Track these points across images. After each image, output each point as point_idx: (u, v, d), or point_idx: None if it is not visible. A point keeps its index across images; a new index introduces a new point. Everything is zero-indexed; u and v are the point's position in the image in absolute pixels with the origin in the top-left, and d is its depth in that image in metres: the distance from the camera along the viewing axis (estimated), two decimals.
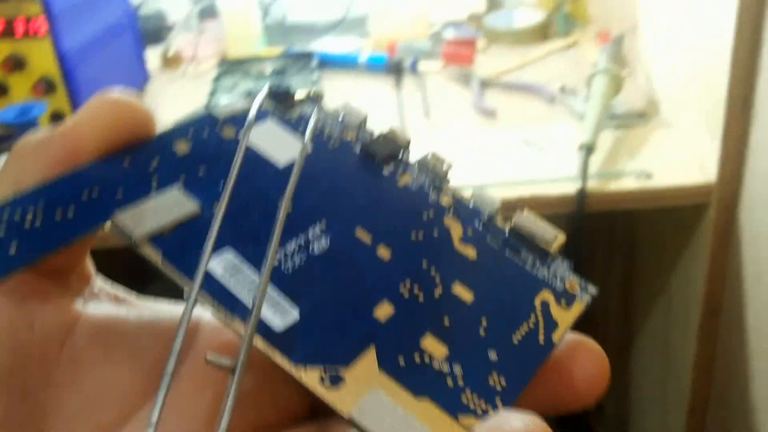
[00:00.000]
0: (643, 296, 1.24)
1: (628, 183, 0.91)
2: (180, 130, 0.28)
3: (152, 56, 1.33)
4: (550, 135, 1.03)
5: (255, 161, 0.28)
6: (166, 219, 0.24)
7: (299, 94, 0.32)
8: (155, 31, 1.40)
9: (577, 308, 0.27)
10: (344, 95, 1.17)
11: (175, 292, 0.24)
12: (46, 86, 1.00)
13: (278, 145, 0.29)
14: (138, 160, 0.26)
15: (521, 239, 0.29)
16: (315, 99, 0.32)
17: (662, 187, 0.90)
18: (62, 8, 1.01)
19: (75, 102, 1.02)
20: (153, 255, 0.23)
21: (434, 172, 0.31)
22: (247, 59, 1.27)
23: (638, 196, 0.90)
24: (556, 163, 0.95)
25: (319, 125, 0.30)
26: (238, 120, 0.29)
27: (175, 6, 1.46)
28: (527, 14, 1.41)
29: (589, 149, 0.91)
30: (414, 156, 0.31)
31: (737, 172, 0.86)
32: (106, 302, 0.26)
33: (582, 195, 0.88)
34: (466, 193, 0.30)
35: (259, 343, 0.22)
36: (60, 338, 0.24)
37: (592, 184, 0.90)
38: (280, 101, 0.31)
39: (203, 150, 0.27)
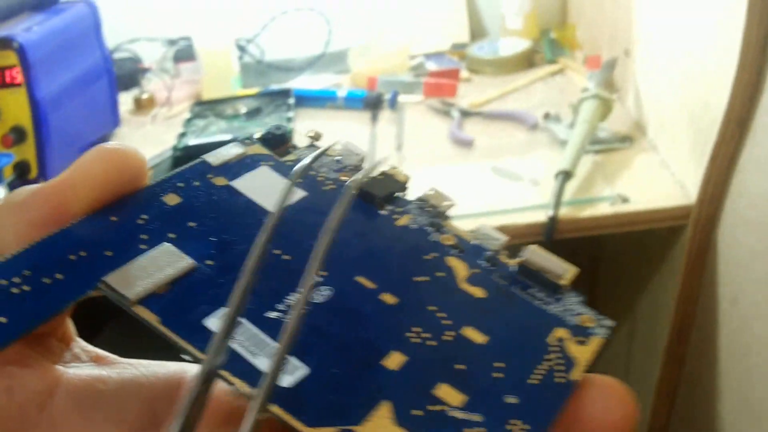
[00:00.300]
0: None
1: (602, 208, 0.90)
2: (171, 180, 0.27)
3: (125, 100, 1.31)
4: (526, 163, 1.01)
5: (249, 210, 0.27)
6: (160, 277, 0.23)
7: (295, 139, 0.32)
8: (130, 75, 1.37)
9: (595, 343, 0.26)
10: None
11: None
12: (16, 136, 0.99)
13: (272, 191, 0.28)
14: (126, 214, 0.25)
15: (530, 275, 0.28)
16: (313, 141, 0.32)
17: (637, 210, 0.90)
18: (38, 57, 0.99)
19: (42, 150, 1.00)
20: (148, 316, 0.22)
21: (434, 209, 0.30)
22: (222, 99, 1.24)
23: (611, 221, 0.89)
24: (531, 192, 0.94)
25: (316, 167, 0.30)
26: (231, 167, 0.29)
27: (151, 49, 1.44)
28: (512, 42, 1.38)
29: (566, 175, 0.90)
30: (413, 194, 0.31)
31: (720, 192, 0.86)
32: (87, 363, 0.26)
33: (552, 223, 0.86)
34: (468, 231, 0.30)
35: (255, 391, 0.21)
36: (40, 402, 0.23)
37: (565, 211, 0.89)
38: (275, 146, 0.31)
39: (195, 200, 0.27)
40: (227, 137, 1.07)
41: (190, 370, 0.26)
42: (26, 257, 0.23)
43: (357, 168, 0.31)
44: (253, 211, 0.27)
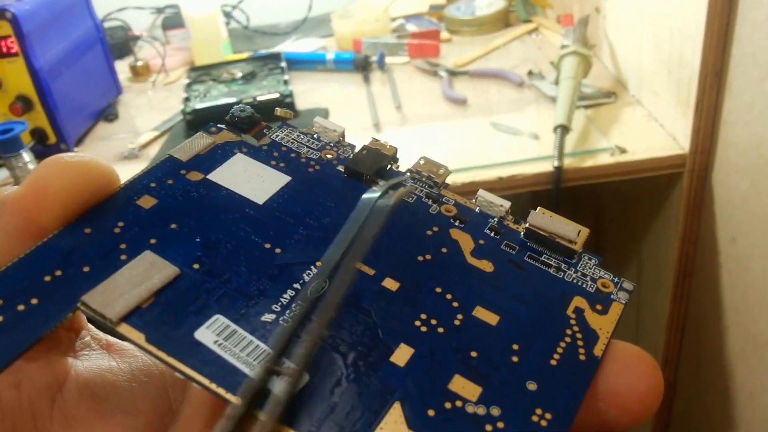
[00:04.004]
0: (613, 261, 1.26)
1: (603, 158, 0.92)
2: (142, 181, 0.25)
3: (122, 68, 1.33)
4: (521, 118, 1.04)
5: (232, 202, 0.25)
6: (143, 289, 0.22)
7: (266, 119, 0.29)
8: (121, 44, 1.40)
9: (616, 311, 0.24)
10: (316, 95, 1.19)
11: None
12: (24, 105, 1.01)
13: (254, 179, 0.26)
14: (101, 224, 0.23)
15: (540, 241, 0.26)
16: (285, 120, 0.29)
17: (637, 159, 0.92)
18: (32, 27, 1.01)
19: (54, 117, 1.03)
20: (134, 336, 0.21)
21: (430, 179, 0.28)
22: (216, 65, 1.28)
23: (614, 170, 0.92)
24: (532, 145, 0.97)
25: (294, 147, 0.28)
26: (203, 159, 0.27)
27: (139, 17, 1.47)
28: (487, 1, 1.42)
29: (564, 129, 0.93)
30: (404, 165, 0.29)
31: (710, 143, 0.89)
32: (98, 351, 0.26)
33: (559, 172, 0.89)
34: (470, 199, 0.28)
35: (269, 418, 0.19)
36: (50, 395, 0.23)
37: (569, 162, 0.91)
38: (246, 129, 0.28)
39: (172, 200, 0.25)
40: (231, 100, 1.11)
41: None
42: None
43: (338, 144, 0.29)
44: (236, 203, 0.25)
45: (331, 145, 0.29)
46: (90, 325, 0.26)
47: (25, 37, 1.00)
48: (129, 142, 1.08)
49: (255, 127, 0.29)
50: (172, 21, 1.46)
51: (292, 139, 0.29)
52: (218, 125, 0.29)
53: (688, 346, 1.09)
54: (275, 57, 1.28)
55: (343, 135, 0.29)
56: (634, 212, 1.15)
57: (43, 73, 1.02)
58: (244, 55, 1.34)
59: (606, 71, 1.16)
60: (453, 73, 1.22)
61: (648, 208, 1.08)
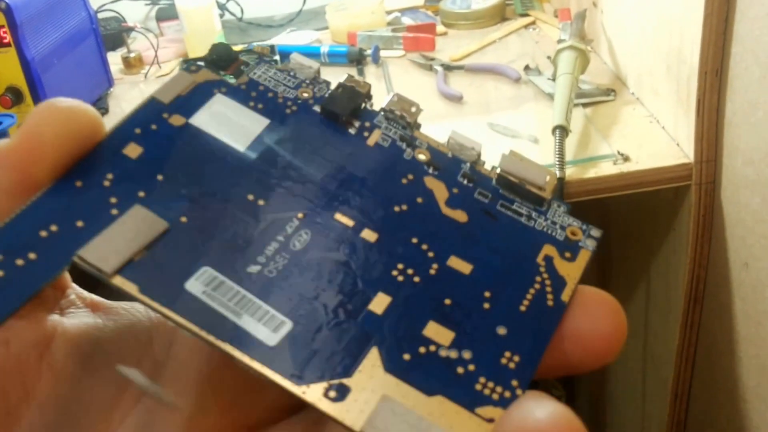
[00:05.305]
0: (619, 283, 1.23)
1: (605, 167, 0.88)
2: (126, 127, 0.25)
3: (114, 60, 1.32)
4: (519, 118, 1.02)
5: (215, 150, 0.26)
6: (135, 243, 0.22)
7: (244, 55, 0.29)
8: (114, 35, 1.38)
9: (583, 258, 0.25)
10: None
11: None
12: (13, 97, 1.00)
13: (233, 123, 0.26)
14: (91, 177, 0.24)
15: (511, 188, 0.27)
16: (262, 57, 0.29)
17: (642, 170, 0.87)
18: (25, 17, 1.00)
19: None
20: (128, 287, 0.21)
21: (403, 119, 0.28)
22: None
23: (619, 182, 0.88)
24: (532, 149, 0.94)
25: (271, 86, 0.28)
26: (184, 100, 0.27)
27: (133, 9, 1.46)
28: None
29: (563, 131, 0.89)
30: (378, 103, 0.29)
31: (715, 150, 0.85)
32: (83, 310, 0.26)
33: (561, 184, 0.85)
34: (442, 141, 0.28)
35: (255, 363, 0.20)
36: (38, 353, 0.23)
37: (571, 172, 0.88)
38: (224, 67, 0.28)
39: (157, 148, 0.25)
40: None
41: None
42: None
43: (314, 81, 0.29)
44: (219, 151, 0.26)
45: (307, 82, 0.29)
46: (74, 285, 0.27)
47: (18, 28, 0.99)
48: None
49: (233, 63, 0.29)
50: (166, 13, 1.44)
51: (269, 77, 0.29)
52: (197, 63, 0.29)
53: (699, 379, 1.03)
54: (269, 50, 1.27)
55: (318, 71, 0.29)
56: (643, 231, 1.10)
57: (34, 64, 1.01)
58: (238, 48, 1.32)
59: (605, 67, 1.14)
60: (448, 68, 1.20)
61: (657, 226, 1.03)
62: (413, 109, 0.28)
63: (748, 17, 0.76)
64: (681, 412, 1.08)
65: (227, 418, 0.24)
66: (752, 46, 0.76)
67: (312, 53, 1.29)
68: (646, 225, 1.08)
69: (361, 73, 1.22)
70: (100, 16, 1.37)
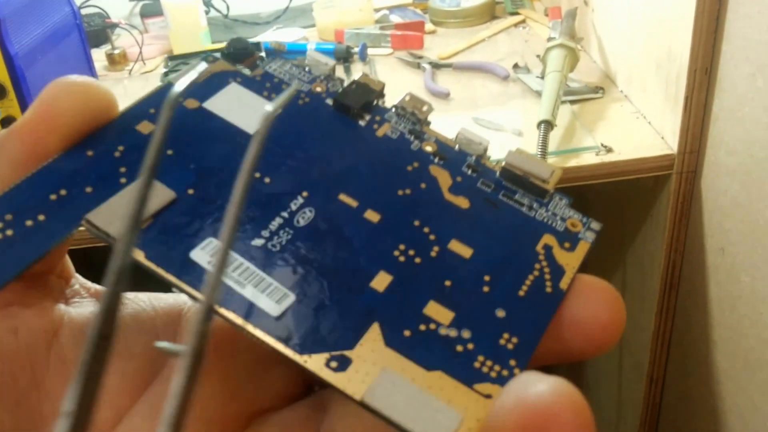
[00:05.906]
0: (595, 270, 1.20)
1: (587, 158, 0.89)
2: (141, 107, 0.26)
3: (98, 56, 1.30)
4: (505, 114, 1.02)
5: (226, 132, 0.26)
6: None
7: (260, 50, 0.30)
8: (98, 31, 1.37)
9: (582, 249, 0.26)
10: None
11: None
12: None
13: (247, 110, 0.27)
14: (102, 148, 0.24)
15: (515, 180, 0.27)
16: (277, 52, 0.30)
17: (623, 159, 0.89)
18: (8, 12, 0.99)
19: (27, 106, 1.00)
20: (134, 252, 0.22)
21: (414, 116, 0.29)
22: (194, 54, 1.25)
23: (599, 171, 0.89)
24: (515, 142, 0.94)
25: (286, 79, 0.29)
26: (199, 87, 0.28)
27: (117, 5, 1.44)
28: None
29: (548, 125, 0.90)
30: (390, 101, 0.29)
31: (699, 142, 0.86)
32: (88, 299, 0.26)
33: None
34: (450, 137, 0.29)
35: (258, 332, 0.21)
36: (46, 341, 0.24)
37: (552, 161, 0.88)
38: (241, 61, 0.29)
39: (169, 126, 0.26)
40: None
41: (187, 301, 0.26)
42: (7, 201, 0.22)
43: (328, 78, 0.29)
44: (229, 134, 0.26)
45: (322, 78, 0.29)
46: (78, 275, 0.27)
47: (1, 23, 0.98)
48: None
49: (249, 58, 0.30)
50: (151, 9, 1.43)
51: (285, 71, 0.29)
52: (214, 55, 0.29)
53: (674, 363, 1.05)
54: (254, 47, 1.26)
55: (333, 69, 0.30)
56: (620, 218, 1.11)
57: (18, 60, 0.99)
58: (223, 44, 1.30)
59: (594, 66, 1.14)
60: (436, 66, 1.19)
61: (634, 214, 1.05)
62: (425, 108, 0.29)
63: (739, 15, 0.76)
64: (656, 395, 1.10)
65: (232, 406, 0.24)
66: (742, 44, 0.76)
67: (298, 50, 1.27)
68: (624, 212, 1.10)
69: (347, 71, 1.21)
70: (84, 12, 1.36)
